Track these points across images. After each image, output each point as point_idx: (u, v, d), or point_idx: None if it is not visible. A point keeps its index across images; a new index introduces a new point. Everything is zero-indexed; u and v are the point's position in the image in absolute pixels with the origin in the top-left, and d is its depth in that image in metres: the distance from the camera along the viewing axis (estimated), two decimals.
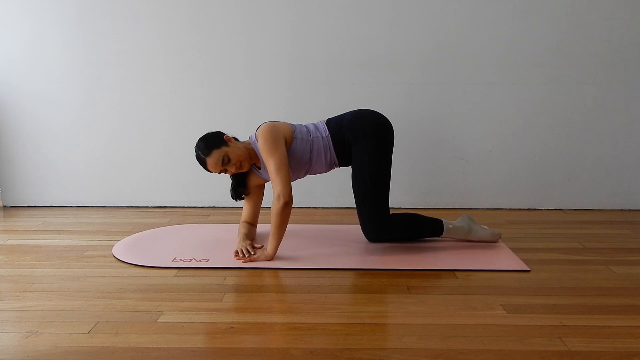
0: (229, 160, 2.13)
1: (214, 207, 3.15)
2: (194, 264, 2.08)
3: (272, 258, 2.11)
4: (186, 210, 3.10)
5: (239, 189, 2.34)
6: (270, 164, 2.07)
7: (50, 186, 3.15)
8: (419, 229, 2.29)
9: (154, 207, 3.15)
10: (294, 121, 2.37)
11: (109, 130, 3.09)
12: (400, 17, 2.92)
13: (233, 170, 2.16)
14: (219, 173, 2.19)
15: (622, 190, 3.06)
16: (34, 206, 3.17)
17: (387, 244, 2.31)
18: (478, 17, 2.90)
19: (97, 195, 3.16)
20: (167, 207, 3.16)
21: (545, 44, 2.92)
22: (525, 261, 2.10)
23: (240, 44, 2.97)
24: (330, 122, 2.29)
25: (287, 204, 2.05)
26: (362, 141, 2.21)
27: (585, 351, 1.40)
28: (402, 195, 3.07)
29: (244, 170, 2.22)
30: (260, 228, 2.49)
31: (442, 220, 2.29)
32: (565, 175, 3.06)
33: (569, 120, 3.00)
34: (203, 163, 2.15)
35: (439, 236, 2.29)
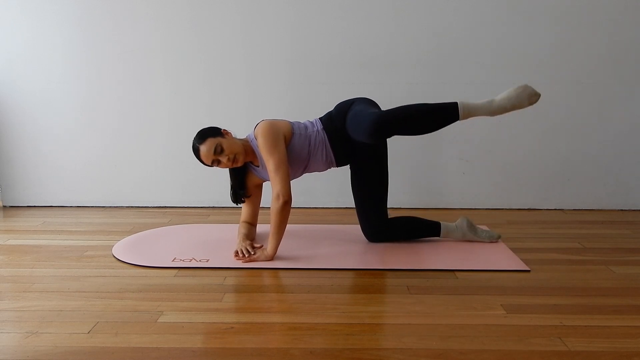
0: (222, 150, 2.10)
1: (214, 207, 3.15)
2: (194, 264, 2.08)
3: (272, 258, 2.11)
4: (186, 210, 3.10)
5: (240, 191, 2.32)
6: (270, 162, 2.07)
7: (50, 186, 3.15)
8: (417, 229, 2.36)
9: (154, 207, 3.15)
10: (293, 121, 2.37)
11: (109, 130, 3.09)
12: (400, 17, 2.92)
13: (225, 161, 2.11)
14: (211, 165, 2.14)
15: (622, 190, 3.06)
16: (34, 206, 3.17)
17: (387, 244, 2.31)
18: (478, 17, 2.90)
19: (97, 195, 3.16)
20: (167, 207, 3.16)
21: (545, 44, 2.92)
22: (525, 261, 2.10)
23: (240, 44, 2.97)
24: (321, 118, 2.31)
25: (286, 202, 2.05)
26: (365, 142, 2.19)
27: (585, 351, 1.40)
28: (402, 195, 3.06)
29: (238, 164, 2.16)
30: (260, 228, 2.49)
31: (439, 224, 2.34)
32: (565, 175, 3.06)
33: (569, 120, 3.00)
34: (197, 152, 2.12)
35: (438, 236, 2.36)
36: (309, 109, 2.98)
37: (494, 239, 2.33)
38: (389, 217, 2.34)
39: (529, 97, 1.93)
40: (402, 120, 1.97)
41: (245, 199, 2.37)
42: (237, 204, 2.37)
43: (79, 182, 3.14)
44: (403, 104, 2.05)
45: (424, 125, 2.01)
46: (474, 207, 3.09)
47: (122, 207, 3.15)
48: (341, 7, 2.91)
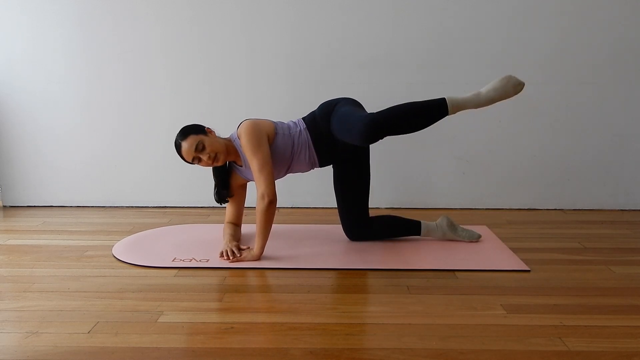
0: (204, 147, 2.09)
1: (214, 207, 3.14)
2: (194, 264, 2.08)
3: (259, 258, 2.11)
4: (186, 210, 3.10)
5: (223, 191, 2.32)
6: (254, 162, 2.07)
7: (50, 186, 3.15)
8: (398, 228, 2.37)
9: (154, 207, 3.15)
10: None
11: (109, 130, 3.09)
12: (400, 17, 2.92)
13: (206, 159, 2.10)
14: (192, 162, 2.13)
15: (622, 190, 3.06)
16: (34, 206, 3.17)
17: (387, 243, 2.32)
18: (478, 17, 2.90)
19: (97, 195, 3.15)
20: (167, 207, 3.16)
21: (545, 44, 2.92)
22: (525, 261, 2.09)
23: (241, 43, 2.97)
24: (304, 118, 2.30)
25: (271, 202, 2.05)
26: (355, 149, 2.23)
27: (585, 351, 1.40)
28: (401, 195, 3.06)
29: (218, 163, 2.15)
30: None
31: (420, 223, 2.35)
32: (565, 175, 3.06)
33: (569, 120, 3.00)
34: (178, 148, 2.12)
35: (418, 235, 2.37)
36: (309, 109, 2.95)
37: (474, 239, 2.32)
38: (370, 216, 2.36)
39: (514, 87, 1.95)
40: (394, 121, 1.95)
41: (230, 199, 2.36)
42: (220, 204, 2.36)
43: (79, 182, 3.14)
44: (393, 105, 2.03)
45: (416, 124, 1.99)
46: (474, 207, 3.09)
47: (122, 207, 3.15)
48: (341, 7, 2.91)
